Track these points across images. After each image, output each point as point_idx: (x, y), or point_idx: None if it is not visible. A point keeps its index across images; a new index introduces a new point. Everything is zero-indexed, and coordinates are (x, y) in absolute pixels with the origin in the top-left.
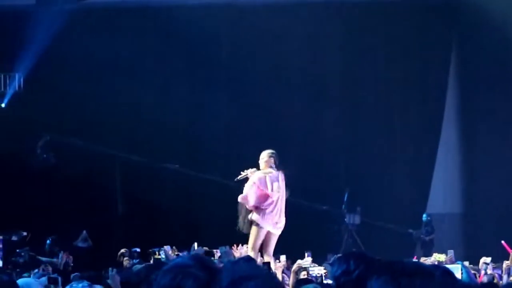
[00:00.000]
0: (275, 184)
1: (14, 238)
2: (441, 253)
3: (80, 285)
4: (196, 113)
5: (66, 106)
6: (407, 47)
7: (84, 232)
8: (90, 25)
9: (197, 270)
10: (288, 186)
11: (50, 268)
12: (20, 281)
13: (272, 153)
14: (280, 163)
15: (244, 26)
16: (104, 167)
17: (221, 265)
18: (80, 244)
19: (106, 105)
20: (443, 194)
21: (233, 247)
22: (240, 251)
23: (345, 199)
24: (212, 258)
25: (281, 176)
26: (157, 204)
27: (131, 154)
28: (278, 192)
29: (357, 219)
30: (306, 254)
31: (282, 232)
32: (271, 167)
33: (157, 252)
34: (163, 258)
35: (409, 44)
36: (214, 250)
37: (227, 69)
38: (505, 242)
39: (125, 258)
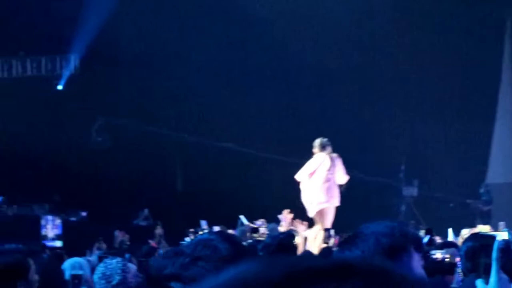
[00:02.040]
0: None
1: (73, 218)
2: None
3: (114, 260)
4: (248, 94)
5: (121, 88)
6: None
7: (146, 210)
8: (145, 6)
9: (218, 243)
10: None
11: (104, 246)
12: (70, 260)
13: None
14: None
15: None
16: (162, 147)
17: None
18: (141, 223)
19: (161, 87)
20: (503, 164)
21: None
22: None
23: (402, 171)
24: (255, 234)
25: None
26: (215, 182)
27: (187, 135)
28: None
29: (414, 191)
30: None
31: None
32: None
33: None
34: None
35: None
36: (260, 226)
37: (280, 52)
38: None
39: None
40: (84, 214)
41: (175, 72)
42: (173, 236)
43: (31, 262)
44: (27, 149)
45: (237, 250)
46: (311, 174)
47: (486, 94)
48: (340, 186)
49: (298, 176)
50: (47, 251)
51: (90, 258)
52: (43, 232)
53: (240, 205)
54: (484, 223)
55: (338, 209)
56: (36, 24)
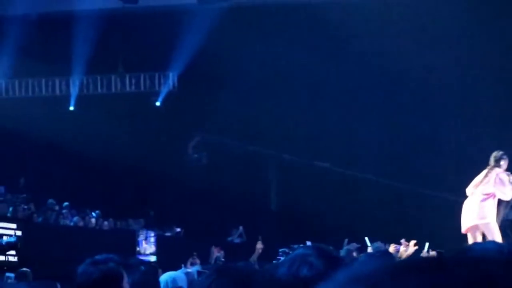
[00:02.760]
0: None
1: (168, 233)
2: None
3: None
4: (347, 113)
5: (218, 105)
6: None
7: (241, 228)
8: (242, 24)
9: (315, 259)
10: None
11: (198, 261)
12: (167, 274)
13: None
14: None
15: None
16: (257, 165)
17: None
18: (236, 240)
19: (257, 104)
20: None
21: (402, 242)
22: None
23: None
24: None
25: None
26: (310, 201)
27: (283, 153)
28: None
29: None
30: None
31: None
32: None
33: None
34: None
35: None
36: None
37: (380, 67)
38: None
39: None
40: (178, 229)
41: (274, 89)
42: (265, 254)
43: (123, 272)
44: (123, 164)
45: (332, 264)
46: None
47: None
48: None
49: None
50: (143, 265)
51: (188, 270)
52: (139, 246)
53: (334, 225)
54: None
55: None
56: (135, 41)
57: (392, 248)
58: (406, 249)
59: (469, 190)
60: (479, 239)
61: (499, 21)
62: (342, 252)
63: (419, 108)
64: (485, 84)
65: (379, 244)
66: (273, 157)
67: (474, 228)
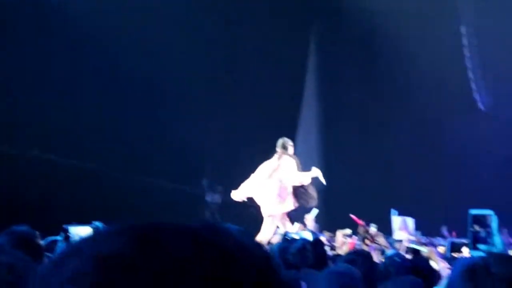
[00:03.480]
0: None
1: None
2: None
3: None
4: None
5: None
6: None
7: None
8: None
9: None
10: None
11: None
12: None
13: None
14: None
15: None
16: None
17: None
18: None
19: None
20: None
21: None
22: None
23: (205, 178)
24: None
25: None
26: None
27: None
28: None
29: (218, 198)
30: None
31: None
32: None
33: None
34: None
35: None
36: None
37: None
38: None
39: None
40: None
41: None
42: None
43: None
44: None
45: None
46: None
47: (288, 107)
48: None
49: None
50: None
51: None
52: None
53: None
54: None
55: None
56: None
57: None
58: None
59: (261, 176)
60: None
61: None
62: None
63: (144, 96)
64: (209, 73)
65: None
66: None
67: (277, 215)
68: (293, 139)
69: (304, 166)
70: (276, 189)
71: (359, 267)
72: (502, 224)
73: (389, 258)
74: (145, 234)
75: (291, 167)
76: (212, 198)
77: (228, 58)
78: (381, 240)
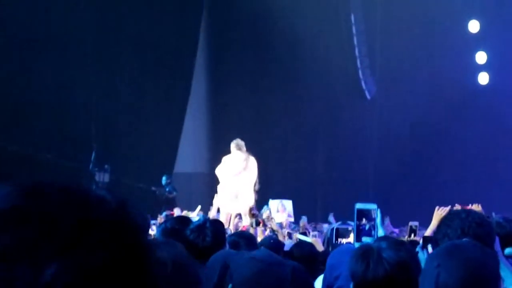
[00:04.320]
0: None
1: None
2: (189, 210)
3: None
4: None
5: None
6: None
7: None
8: None
9: None
10: None
11: None
12: None
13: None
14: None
15: None
16: None
17: None
18: None
19: None
20: (192, 154)
21: None
22: None
23: (93, 157)
24: None
25: None
26: None
27: None
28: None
29: (106, 177)
30: None
31: None
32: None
33: None
34: None
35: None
36: None
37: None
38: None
39: None
40: None
41: None
42: None
43: None
44: None
45: None
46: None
47: (178, 86)
48: None
49: None
50: None
51: None
52: None
53: None
54: (170, 209)
55: None
56: None
57: None
58: None
59: (227, 176)
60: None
61: None
62: None
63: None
64: (97, 47)
65: None
66: None
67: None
68: (183, 113)
69: (197, 139)
70: (243, 186)
71: (242, 248)
72: (384, 213)
73: (264, 240)
74: (31, 188)
75: (255, 168)
76: (99, 176)
77: (118, 28)
78: (273, 224)
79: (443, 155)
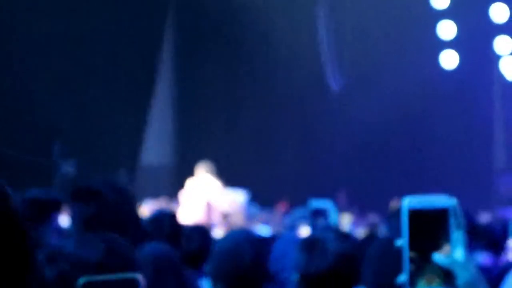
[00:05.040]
0: None
1: None
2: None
3: None
4: None
5: None
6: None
7: None
8: None
9: None
10: None
11: None
12: None
13: None
14: None
15: None
16: None
17: None
18: None
19: None
20: (156, 147)
21: None
22: None
23: (57, 150)
24: None
25: None
26: None
27: None
28: None
29: (71, 170)
30: None
31: None
32: None
33: None
34: None
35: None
36: None
37: None
38: None
39: None
40: None
41: None
42: None
43: None
44: None
45: None
46: None
47: (141, 79)
48: None
49: None
50: None
51: None
52: None
53: None
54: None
55: None
56: None
57: None
58: None
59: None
60: None
61: None
62: None
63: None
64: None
65: None
66: None
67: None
68: (147, 111)
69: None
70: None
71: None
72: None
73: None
74: None
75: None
76: (64, 170)
77: (82, 27)
78: (239, 219)
79: (413, 147)
